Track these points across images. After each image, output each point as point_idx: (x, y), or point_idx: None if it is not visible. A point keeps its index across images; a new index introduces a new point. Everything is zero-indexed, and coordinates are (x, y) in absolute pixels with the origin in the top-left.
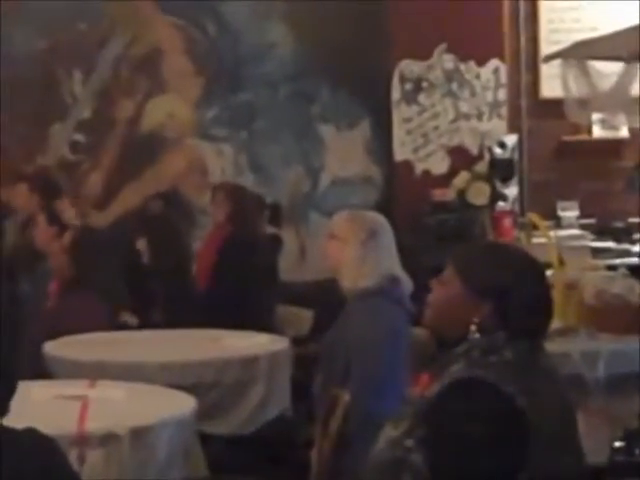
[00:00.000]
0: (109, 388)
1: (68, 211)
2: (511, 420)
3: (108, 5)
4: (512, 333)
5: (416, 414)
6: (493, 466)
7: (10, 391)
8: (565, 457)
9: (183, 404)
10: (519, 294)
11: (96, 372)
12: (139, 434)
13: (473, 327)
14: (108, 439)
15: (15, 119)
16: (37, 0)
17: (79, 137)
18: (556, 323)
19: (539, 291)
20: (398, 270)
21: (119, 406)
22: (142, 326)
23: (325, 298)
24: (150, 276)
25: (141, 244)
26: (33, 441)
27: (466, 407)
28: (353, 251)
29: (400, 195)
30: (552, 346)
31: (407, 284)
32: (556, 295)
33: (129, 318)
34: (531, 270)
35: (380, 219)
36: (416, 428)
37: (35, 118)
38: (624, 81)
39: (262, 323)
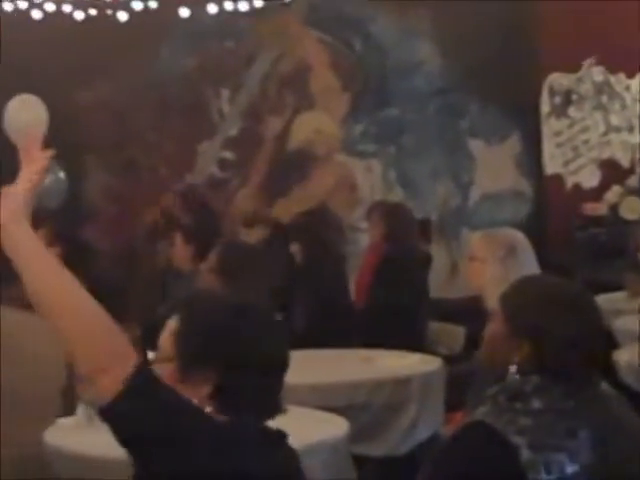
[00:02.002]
0: None
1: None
2: (508, 472)
3: (256, 22)
4: (546, 378)
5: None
6: None
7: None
8: None
9: (336, 427)
10: (554, 336)
11: None
12: None
13: (513, 368)
14: None
15: (164, 138)
16: (185, 19)
17: (227, 155)
18: None
19: (578, 334)
20: None
21: None
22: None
23: (477, 314)
24: (300, 278)
25: (294, 247)
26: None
27: (465, 452)
28: (493, 270)
29: (551, 209)
30: None
31: None
32: None
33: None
34: (575, 312)
35: (518, 236)
36: (425, 468)
37: (183, 137)
38: None
39: (415, 341)
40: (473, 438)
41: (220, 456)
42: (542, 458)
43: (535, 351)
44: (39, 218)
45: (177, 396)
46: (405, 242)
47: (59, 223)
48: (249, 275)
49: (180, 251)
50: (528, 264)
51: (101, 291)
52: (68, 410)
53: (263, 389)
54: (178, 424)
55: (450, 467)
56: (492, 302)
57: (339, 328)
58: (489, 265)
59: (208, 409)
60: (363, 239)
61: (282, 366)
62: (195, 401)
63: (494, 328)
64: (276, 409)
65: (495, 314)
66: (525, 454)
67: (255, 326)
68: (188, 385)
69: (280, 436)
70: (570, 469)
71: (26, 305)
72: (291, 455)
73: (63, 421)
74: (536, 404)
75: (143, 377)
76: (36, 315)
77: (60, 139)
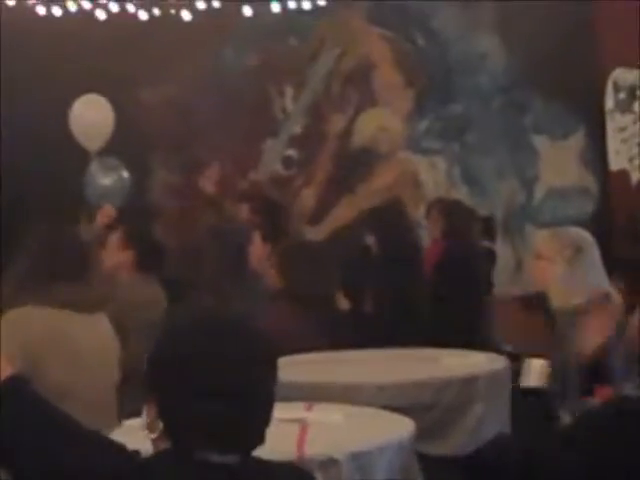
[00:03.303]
0: (327, 411)
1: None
2: None
3: (318, 19)
4: None
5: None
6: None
7: (267, 420)
8: None
9: (402, 427)
10: None
11: (312, 394)
12: (358, 459)
13: None
14: (327, 464)
15: (229, 135)
16: (248, 17)
17: (291, 152)
18: None
19: None
20: (607, 285)
21: (337, 430)
22: (353, 312)
23: (542, 311)
24: (374, 267)
25: (370, 239)
26: (294, 475)
27: (608, 424)
28: (560, 269)
29: (616, 205)
30: None
31: (616, 299)
32: None
33: (342, 302)
34: None
35: (584, 234)
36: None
37: (248, 134)
38: None
39: (480, 339)
40: (616, 410)
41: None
42: None
43: None
44: (112, 220)
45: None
46: (465, 239)
47: (131, 224)
48: (307, 271)
49: (258, 250)
50: (594, 263)
51: (171, 289)
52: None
53: (208, 419)
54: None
55: (595, 436)
56: (557, 300)
57: (407, 321)
58: (555, 264)
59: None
60: (427, 236)
61: (247, 396)
62: None
63: (633, 322)
64: (242, 442)
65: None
66: None
67: (201, 352)
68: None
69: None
70: None
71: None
72: None
73: (131, 422)
74: None
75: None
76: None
77: (125, 138)
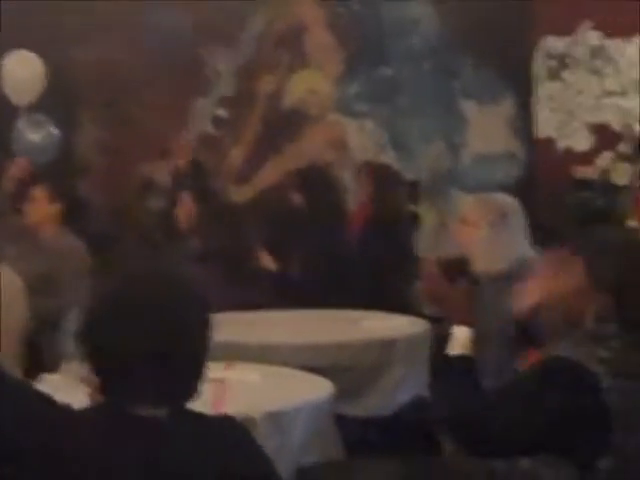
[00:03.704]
0: (245, 371)
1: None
2: (593, 401)
3: None
4: (625, 326)
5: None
6: (573, 443)
7: (201, 373)
8: None
9: (320, 388)
10: (636, 289)
11: (232, 354)
12: (275, 418)
13: (588, 316)
14: (244, 423)
15: (159, 95)
16: None
17: (221, 112)
18: None
19: None
20: (531, 252)
21: (255, 390)
22: (278, 273)
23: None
24: (298, 227)
25: (297, 197)
26: (232, 429)
27: (550, 385)
28: (484, 234)
29: (542, 172)
30: None
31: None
32: None
33: (268, 262)
34: None
35: (510, 201)
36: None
37: (178, 93)
38: None
39: (401, 302)
40: (556, 370)
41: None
42: (620, 386)
43: (615, 303)
44: (36, 174)
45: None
46: (392, 203)
47: (56, 179)
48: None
49: (187, 209)
50: (519, 229)
51: (96, 245)
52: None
53: (139, 374)
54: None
55: (538, 399)
56: (480, 265)
57: (331, 284)
58: (480, 229)
59: None
60: (353, 199)
61: (178, 351)
62: None
63: (570, 280)
64: (172, 396)
65: (570, 267)
66: (606, 382)
67: (133, 308)
68: None
69: (161, 423)
70: None
71: None
72: (179, 446)
73: (47, 377)
74: (615, 344)
75: None
76: None
77: (55, 94)
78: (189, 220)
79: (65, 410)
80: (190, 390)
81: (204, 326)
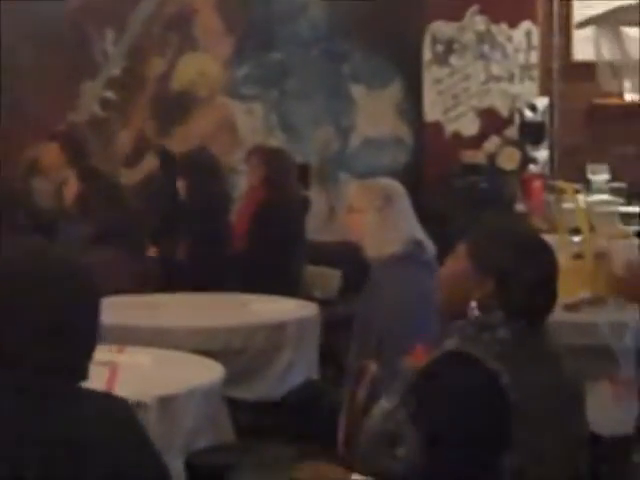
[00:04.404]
0: (137, 354)
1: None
2: (492, 397)
3: None
4: (510, 313)
5: (406, 386)
6: (475, 441)
7: (89, 354)
8: (552, 439)
9: (211, 372)
10: (521, 275)
11: (123, 337)
12: (166, 403)
13: (474, 304)
14: (135, 408)
15: (46, 76)
16: None
17: (110, 94)
18: (585, 293)
19: (542, 275)
20: (420, 234)
21: (147, 373)
22: (165, 261)
23: (353, 258)
24: (183, 213)
25: (180, 184)
26: (114, 405)
27: (449, 380)
28: (371, 220)
29: (430, 156)
30: (580, 316)
31: (430, 248)
32: (585, 264)
33: (153, 252)
34: (537, 253)
35: (394, 184)
36: (407, 401)
37: (66, 75)
38: None
39: (291, 285)
40: (454, 366)
41: None
42: (516, 381)
43: (500, 289)
44: None
45: None
46: (284, 187)
47: None
48: (115, 215)
49: (72, 190)
50: (405, 213)
51: None
52: None
53: (31, 352)
54: None
55: (436, 396)
56: (371, 251)
57: (218, 269)
58: (367, 215)
59: None
60: (242, 182)
61: (67, 332)
62: None
63: (454, 266)
64: (64, 374)
65: (456, 253)
66: (505, 378)
67: (24, 289)
68: None
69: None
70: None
71: None
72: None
73: None
74: (503, 334)
75: None
76: None
77: None
78: (74, 199)
79: None
80: (80, 370)
81: (93, 307)
